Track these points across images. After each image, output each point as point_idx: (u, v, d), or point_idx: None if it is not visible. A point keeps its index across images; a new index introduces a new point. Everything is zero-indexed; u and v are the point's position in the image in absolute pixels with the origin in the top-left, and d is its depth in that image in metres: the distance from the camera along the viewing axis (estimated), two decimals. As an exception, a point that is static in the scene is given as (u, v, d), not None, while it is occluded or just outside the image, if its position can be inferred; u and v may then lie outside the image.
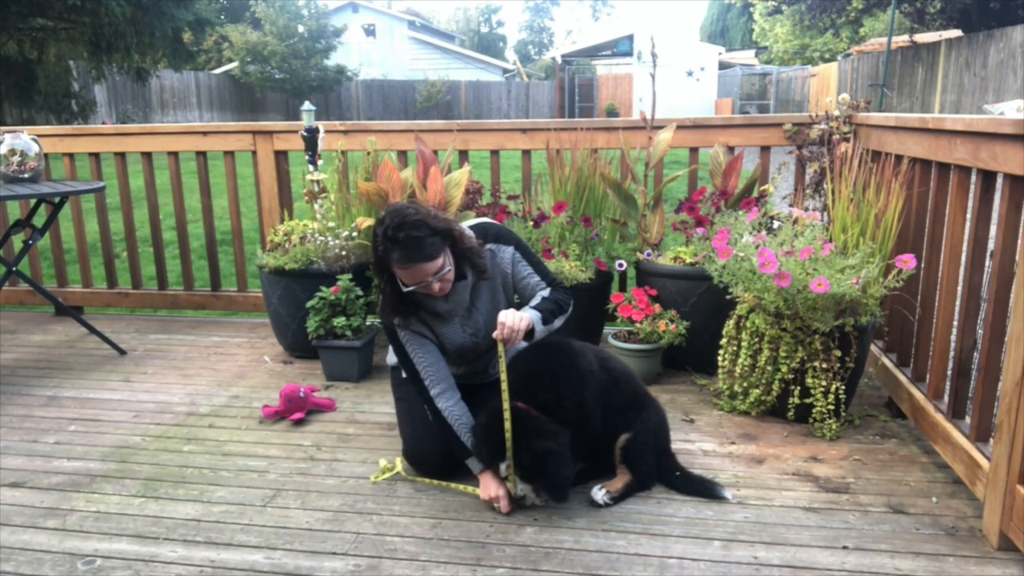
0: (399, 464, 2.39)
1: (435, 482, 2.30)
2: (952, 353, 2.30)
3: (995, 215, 2.09)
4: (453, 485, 2.27)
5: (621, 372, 2.30)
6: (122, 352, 3.60)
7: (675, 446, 2.43)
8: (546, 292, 2.33)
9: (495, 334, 2.14)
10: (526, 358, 2.23)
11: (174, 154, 4.09)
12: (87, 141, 4.21)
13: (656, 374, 3.15)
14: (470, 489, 2.23)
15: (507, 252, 2.34)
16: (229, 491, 2.29)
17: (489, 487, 2.17)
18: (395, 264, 2.11)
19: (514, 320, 2.13)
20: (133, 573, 1.89)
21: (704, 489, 2.23)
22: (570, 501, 2.18)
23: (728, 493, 2.21)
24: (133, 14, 12.42)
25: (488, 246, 2.32)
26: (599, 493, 2.17)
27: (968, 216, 2.24)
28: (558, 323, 2.30)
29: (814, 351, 2.55)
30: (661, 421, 2.32)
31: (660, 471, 2.29)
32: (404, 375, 2.40)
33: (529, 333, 2.20)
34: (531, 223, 3.37)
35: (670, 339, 3.01)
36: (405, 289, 2.17)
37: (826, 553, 1.92)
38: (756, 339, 2.67)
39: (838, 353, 2.54)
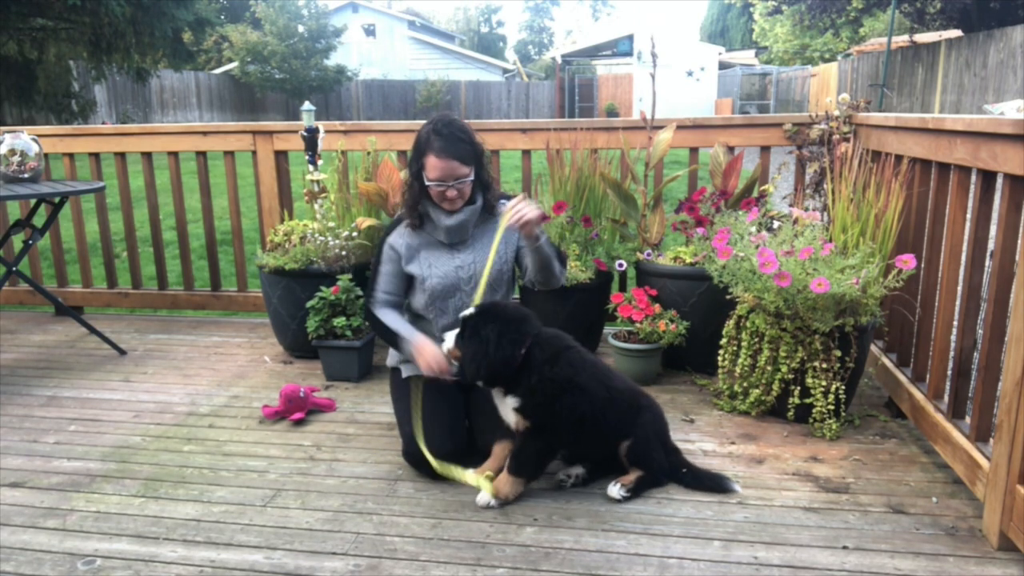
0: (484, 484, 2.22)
1: (442, 470, 2.29)
2: (952, 353, 2.30)
3: (995, 215, 2.09)
4: (456, 474, 2.25)
5: (619, 391, 2.26)
6: (122, 352, 3.60)
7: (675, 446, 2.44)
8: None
9: (508, 205, 2.25)
10: (546, 334, 2.24)
11: (174, 154, 4.09)
12: (87, 141, 4.21)
13: (656, 374, 3.15)
14: (470, 479, 2.22)
15: None
16: (229, 491, 2.29)
17: (425, 352, 2.31)
18: (432, 152, 2.32)
19: (528, 206, 2.23)
20: (133, 573, 1.89)
21: (713, 484, 2.24)
22: (570, 501, 2.19)
23: (736, 486, 2.23)
24: (133, 14, 12.43)
25: (503, 200, 2.54)
26: (614, 488, 2.18)
27: (968, 216, 2.24)
28: (558, 267, 2.47)
29: (814, 351, 2.55)
30: (656, 417, 2.32)
31: (668, 467, 2.30)
32: (400, 374, 2.43)
33: (535, 239, 2.32)
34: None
35: (670, 339, 3.01)
36: (427, 182, 2.36)
37: (826, 553, 1.92)
38: (756, 339, 2.67)
39: (838, 353, 2.54)
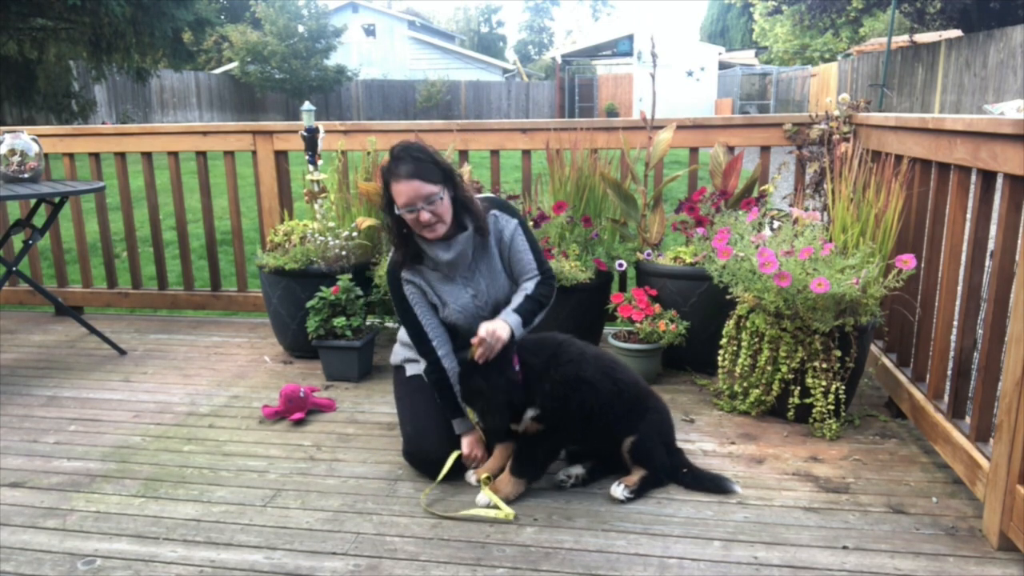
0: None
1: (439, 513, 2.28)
2: (952, 353, 2.30)
3: (995, 215, 2.09)
4: (463, 513, 2.16)
5: (626, 383, 2.26)
6: (122, 352, 3.60)
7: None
8: (530, 288, 2.37)
9: (473, 340, 2.14)
10: (532, 338, 2.27)
11: (174, 154, 4.09)
12: (87, 141, 4.21)
13: (656, 374, 3.15)
14: (476, 512, 2.14)
15: (511, 223, 2.43)
16: (229, 491, 2.29)
17: (473, 446, 2.34)
18: (393, 179, 2.22)
19: (493, 338, 2.12)
20: (133, 573, 1.89)
21: (713, 485, 2.24)
22: (570, 501, 2.19)
23: (736, 487, 2.22)
24: (133, 14, 12.43)
25: (493, 211, 2.42)
26: (618, 489, 2.18)
27: (968, 216, 2.24)
28: (538, 320, 2.39)
29: (814, 351, 2.55)
30: (663, 418, 2.32)
31: (670, 466, 2.30)
32: (405, 365, 2.43)
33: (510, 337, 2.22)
34: (531, 223, 3.37)
35: (670, 339, 3.01)
36: (396, 211, 2.25)
37: (826, 553, 1.92)
38: (756, 339, 2.67)
39: (838, 353, 2.54)
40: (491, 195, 2.52)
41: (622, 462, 2.26)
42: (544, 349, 2.19)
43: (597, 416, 2.18)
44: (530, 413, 2.14)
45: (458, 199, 2.31)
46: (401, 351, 2.62)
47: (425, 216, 2.22)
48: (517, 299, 2.34)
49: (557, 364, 2.15)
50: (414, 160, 2.21)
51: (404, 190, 2.21)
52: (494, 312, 2.38)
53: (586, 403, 2.15)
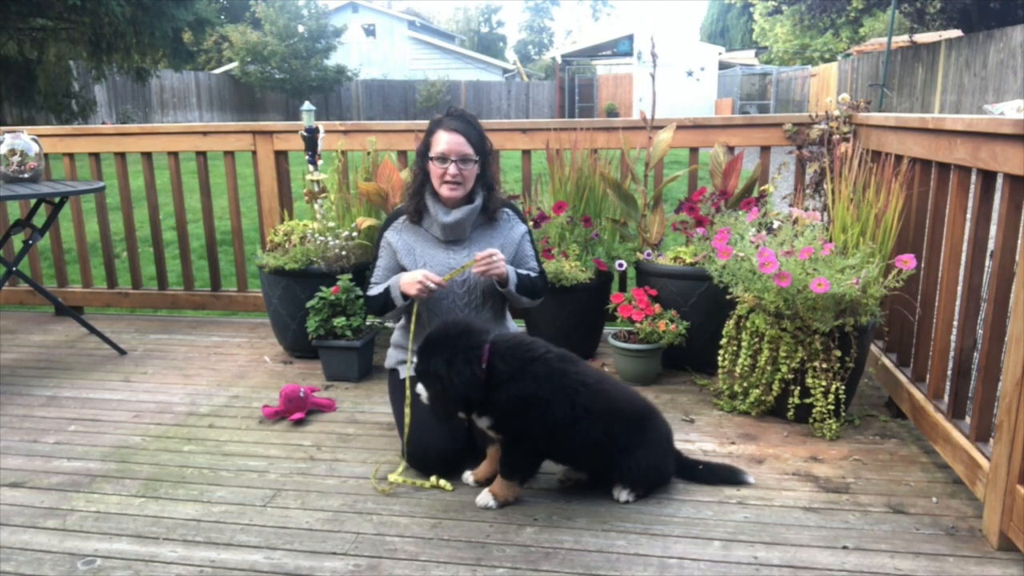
0: (400, 471, 2.35)
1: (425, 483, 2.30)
2: (952, 353, 2.30)
3: (995, 215, 2.09)
4: (443, 484, 2.27)
5: (603, 412, 2.12)
6: (122, 352, 3.60)
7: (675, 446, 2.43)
8: (533, 275, 2.57)
9: (478, 254, 2.31)
10: (509, 342, 2.21)
11: (174, 154, 4.10)
12: (87, 141, 4.21)
13: (656, 374, 3.15)
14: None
15: (521, 227, 2.63)
16: (229, 491, 2.29)
17: (410, 280, 2.36)
18: (441, 128, 2.41)
19: (496, 258, 2.32)
20: (133, 573, 1.89)
21: (729, 476, 2.27)
22: (570, 501, 2.19)
23: (751, 478, 2.26)
24: (133, 14, 12.44)
25: (506, 210, 2.61)
26: (622, 493, 2.18)
27: (968, 216, 2.24)
28: (526, 300, 2.52)
29: (814, 351, 2.55)
30: (661, 436, 2.23)
31: (677, 466, 2.27)
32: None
33: (503, 282, 2.40)
34: (531, 223, 3.37)
35: (670, 339, 3.01)
36: (430, 157, 2.41)
37: (826, 553, 1.92)
38: (756, 339, 2.67)
39: (838, 353, 2.54)
40: (508, 199, 2.69)
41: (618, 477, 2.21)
42: (516, 359, 2.06)
43: (558, 435, 2.09)
44: (485, 422, 2.10)
45: (484, 177, 2.49)
46: (395, 354, 2.64)
47: (453, 170, 2.39)
48: (521, 271, 2.52)
49: (520, 378, 2.04)
50: (467, 123, 2.43)
51: (447, 139, 2.39)
52: (468, 293, 2.50)
53: (545, 420, 2.06)
